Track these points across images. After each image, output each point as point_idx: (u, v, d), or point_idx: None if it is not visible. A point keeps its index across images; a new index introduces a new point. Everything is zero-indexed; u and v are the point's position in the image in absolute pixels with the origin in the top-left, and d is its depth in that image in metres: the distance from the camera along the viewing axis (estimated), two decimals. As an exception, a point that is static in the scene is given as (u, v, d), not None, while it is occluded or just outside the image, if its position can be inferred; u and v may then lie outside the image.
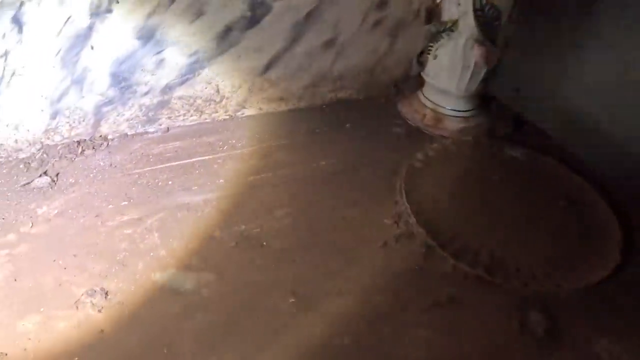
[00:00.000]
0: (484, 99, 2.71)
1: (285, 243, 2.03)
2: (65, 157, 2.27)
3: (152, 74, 2.29)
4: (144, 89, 2.31)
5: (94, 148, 2.32)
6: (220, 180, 2.24)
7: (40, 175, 2.18)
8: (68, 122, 2.27)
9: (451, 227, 2.10)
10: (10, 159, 2.26)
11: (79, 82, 2.20)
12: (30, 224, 2.04)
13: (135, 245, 1.98)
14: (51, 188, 2.16)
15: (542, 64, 2.71)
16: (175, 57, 2.30)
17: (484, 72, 2.48)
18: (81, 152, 2.29)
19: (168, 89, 2.35)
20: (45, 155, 2.26)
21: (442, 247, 2.00)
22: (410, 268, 1.95)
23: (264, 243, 2.02)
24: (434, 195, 2.25)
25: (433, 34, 2.55)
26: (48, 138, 2.28)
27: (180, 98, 2.40)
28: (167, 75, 2.31)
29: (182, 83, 2.37)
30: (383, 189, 2.29)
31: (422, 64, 2.78)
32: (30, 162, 2.25)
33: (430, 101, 2.69)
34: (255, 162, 2.35)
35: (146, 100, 2.35)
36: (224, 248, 1.99)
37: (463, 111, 2.66)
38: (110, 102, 2.29)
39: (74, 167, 2.25)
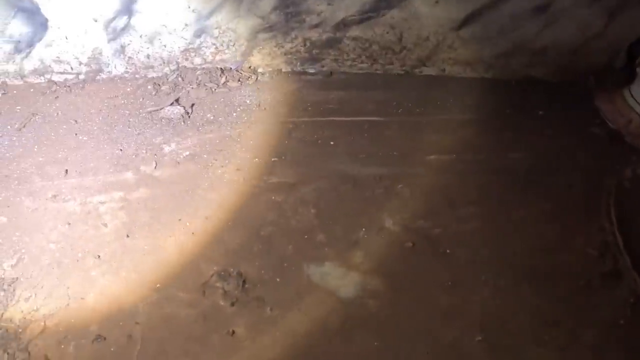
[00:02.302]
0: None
1: (473, 255, 1.52)
2: (205, 85, 1.79)
3: (329, 4, 1.78)
4: (315, 19, 1.80)
5: (239, 80, 1.82)
6: (395, 153, 1.71)
7: (172, 104, 1.71)
8: (214, 45, 1.79)
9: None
10: (138, 76, 1.80)
11: (239, -4, 1.70)
12: (154, 164, 1.58)
13: (286, 219, 1.49)
14: (183, 122, 1.69)
15: None
16: (362, -13, 1.76)
17: None
18: (224, 83, 1.80)
19: (343, 25, 1.84)
20: (180, 79, 1.79)
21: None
22: (614, 320, 1.44)
23: (448, 250, 1.50)
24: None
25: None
26: (186, 59, 1.81)
27: (354, 39, 1.88)
28: (347, 8, 1.80)
29: (361, 21, 1.85)
30: (583, 204, 1.74)
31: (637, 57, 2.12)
32: (161, 84, 1.78)
33: (640, 104, 2.06)
34: (436, 137, 1.81)
35: (314, 34, 1.84)
36: (397, 247, 1.49)
37: (680, 128, 2.02)
38: (270, 28, 1.79)
39: (213, 99, 1.77)
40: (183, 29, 1.75)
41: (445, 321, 1.36)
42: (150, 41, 1.76)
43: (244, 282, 1.35)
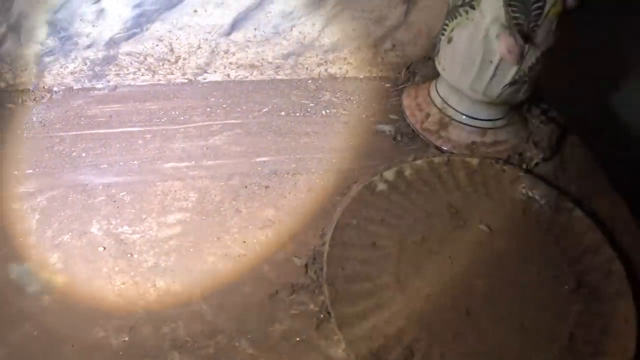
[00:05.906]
0: (520, 107, 1.91)
1: (158, 260, 1.70)
2: (4, 106, 2.15)
3: (93, 25, 2.00)
4: (86, 41, 2.04)
5: (35, 100, 2.16)
6: (134, 162, 1.94)
7: (-31, 125, 2.10)
8: (11, 70, 2.12)
9: (378, 297, 1.46)
10: (-39, 100, 2.22)
11: (15, 29, 2.01)
12: (-59, 179, 2.00)
13: (12, 225, 1.83)
14: (-25, 140, 2.08)
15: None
16: (117, 8, 1.97)
17: (513, 72, 1.68)
18: (22, 103, 2.15)
19: (113, 43, 2.05)
20: (-12, 100, 2.17)
21: (342, 322, 1.41)
22: (288, 338, 1.43)
23: (135, 255, 1.72)
24: (378, 240, 1.59)
25: (450, 8, 1.80)
26: (-6, 83, 2.17)
27: (128, 54, 2.09)
28: (110, 27, 2.01)
29: (128, 38, 2.05)
30: (315, 209, 1.79)
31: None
32: (-25, 106, 2.18)
33: (441, 98, 1.97)
34: (184, 145, 1.99)
35: (90, 54, 2.09)
36: (90, 250, 1.75)
37: (481, 120, 1.90)
38: (51, 52, 2.08)
39: (7, 119, 2.13)
40: (-17, 57, 2.12)
41: (103, 320, 1.54)
42: (-38, 68, 2.15)
43: (-42, 277, 1.74)
